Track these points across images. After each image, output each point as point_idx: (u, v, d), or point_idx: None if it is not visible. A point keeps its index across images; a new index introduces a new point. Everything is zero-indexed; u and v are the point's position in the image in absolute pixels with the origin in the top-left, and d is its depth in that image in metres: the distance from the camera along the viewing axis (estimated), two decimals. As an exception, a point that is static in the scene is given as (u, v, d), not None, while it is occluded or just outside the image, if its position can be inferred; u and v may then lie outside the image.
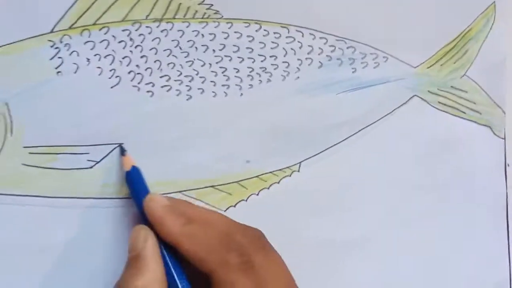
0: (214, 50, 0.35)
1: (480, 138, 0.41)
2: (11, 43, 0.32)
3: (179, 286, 0.30)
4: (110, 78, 0.33)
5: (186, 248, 0.30)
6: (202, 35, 0.34)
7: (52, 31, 0.32)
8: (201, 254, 0.29)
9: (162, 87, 0.34)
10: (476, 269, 0.41)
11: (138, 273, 0.29)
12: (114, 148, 0.33)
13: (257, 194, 0.36)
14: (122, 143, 0.33)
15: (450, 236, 0.40)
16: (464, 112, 0.40)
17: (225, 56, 0.35)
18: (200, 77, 0.34)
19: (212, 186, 0.35)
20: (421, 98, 0.39)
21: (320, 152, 0.38)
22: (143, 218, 0.31)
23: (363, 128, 0.38)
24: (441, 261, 0.40)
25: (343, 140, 0.38)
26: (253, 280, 0.29)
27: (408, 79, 0.39)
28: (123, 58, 0.33)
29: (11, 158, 0.32)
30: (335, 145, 0.38)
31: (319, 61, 0.37)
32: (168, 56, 0.34)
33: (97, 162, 0.33)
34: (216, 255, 0.29)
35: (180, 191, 0.35)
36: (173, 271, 0.30)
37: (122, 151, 0.33)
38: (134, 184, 0.33)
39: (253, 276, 0.29)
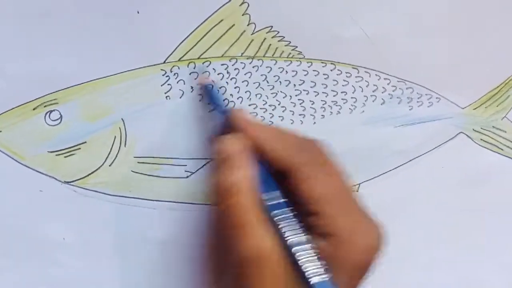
0: (294, 85, 0.37)
1: (513, 172, 0.43)
2: (130, 70, 0.35)
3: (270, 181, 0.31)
4: (208, 103, 0.36)
5: (271, 147, 0.31)
6: (286, 71, 0.37)
7: (164, 62, 0.35)
8: (283, 152, 0.31)
9: (249, 113, 0.37)
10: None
11: (229, 171, 0.30)
12: (207, 162, 0.37)
13: (322, 208, 0.40)
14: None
15: (484, 251, 0.42)
16: (502, 149, 0.42)
17: (303, 90, 0.38)
18: (281, 106, 0.37)
19: (285, 200, 0.39)
20: (466, 135, 0.41)
21: (378, 176, 0.40)
22: (223, 127, 0.33)
23: (415, 158, 0.40)
24: (477, 271, 0.43)
25: (398, 167, 0.40)
26: (325, 173, 0.31)
27: (456, 118, 0.40)
28: (220, 88, 0.37)
29: (123, 166, 0.36)
30: (390, 170, 0.40)
31: (382, 98, 0.39)
32: (256, 88, 0.37)
33: (193, 173, 0.37)
34: (295, 153, 0.31)
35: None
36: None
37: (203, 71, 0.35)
38: (215, 96, 0.35)
39: (323, 169, 0.31)
